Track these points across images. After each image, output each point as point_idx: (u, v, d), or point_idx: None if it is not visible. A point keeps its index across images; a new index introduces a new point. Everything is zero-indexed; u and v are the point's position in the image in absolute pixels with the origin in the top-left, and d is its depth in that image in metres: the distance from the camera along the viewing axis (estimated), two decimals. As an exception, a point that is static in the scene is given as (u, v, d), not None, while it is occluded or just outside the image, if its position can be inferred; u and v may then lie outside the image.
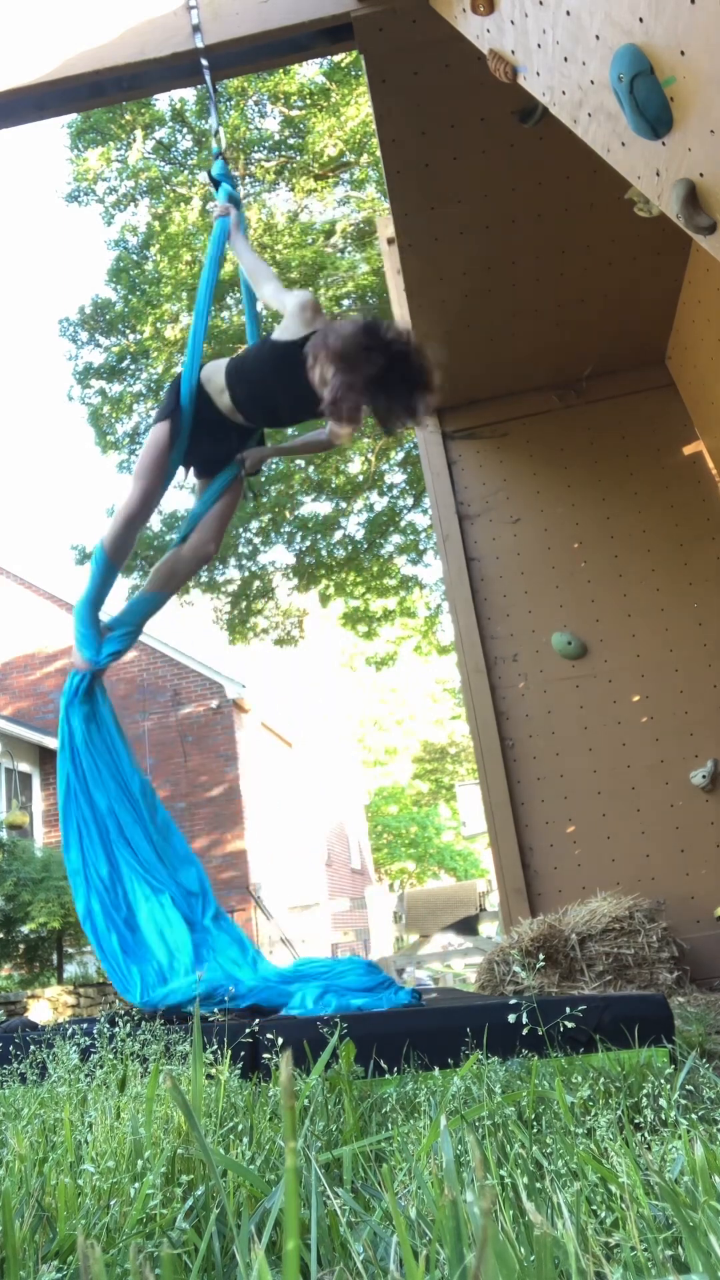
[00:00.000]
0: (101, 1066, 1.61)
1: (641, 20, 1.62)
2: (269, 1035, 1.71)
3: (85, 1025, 1.98)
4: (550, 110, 2.18)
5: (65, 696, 2.81)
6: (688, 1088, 1.43)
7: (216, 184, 3.17)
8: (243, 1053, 1.74)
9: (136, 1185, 1.02)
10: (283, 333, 2.52)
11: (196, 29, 3.20)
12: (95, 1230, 0.97)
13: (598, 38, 1.79)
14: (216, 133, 3.37)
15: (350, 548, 11.49)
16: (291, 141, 10.11)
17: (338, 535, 11.52)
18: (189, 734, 12.55)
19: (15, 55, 3.33)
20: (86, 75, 3.28)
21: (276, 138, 10.24)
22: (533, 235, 4.00)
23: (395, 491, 11.69)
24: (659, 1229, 0.86)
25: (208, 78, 3.22)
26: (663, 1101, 1.20)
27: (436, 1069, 1.62)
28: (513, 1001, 1.69)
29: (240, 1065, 1.68)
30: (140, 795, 2.78)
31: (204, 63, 3.21)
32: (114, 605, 3.06)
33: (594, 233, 4.02)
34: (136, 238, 10.89)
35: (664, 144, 1.67)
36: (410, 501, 11.55)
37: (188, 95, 9.83)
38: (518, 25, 2.21)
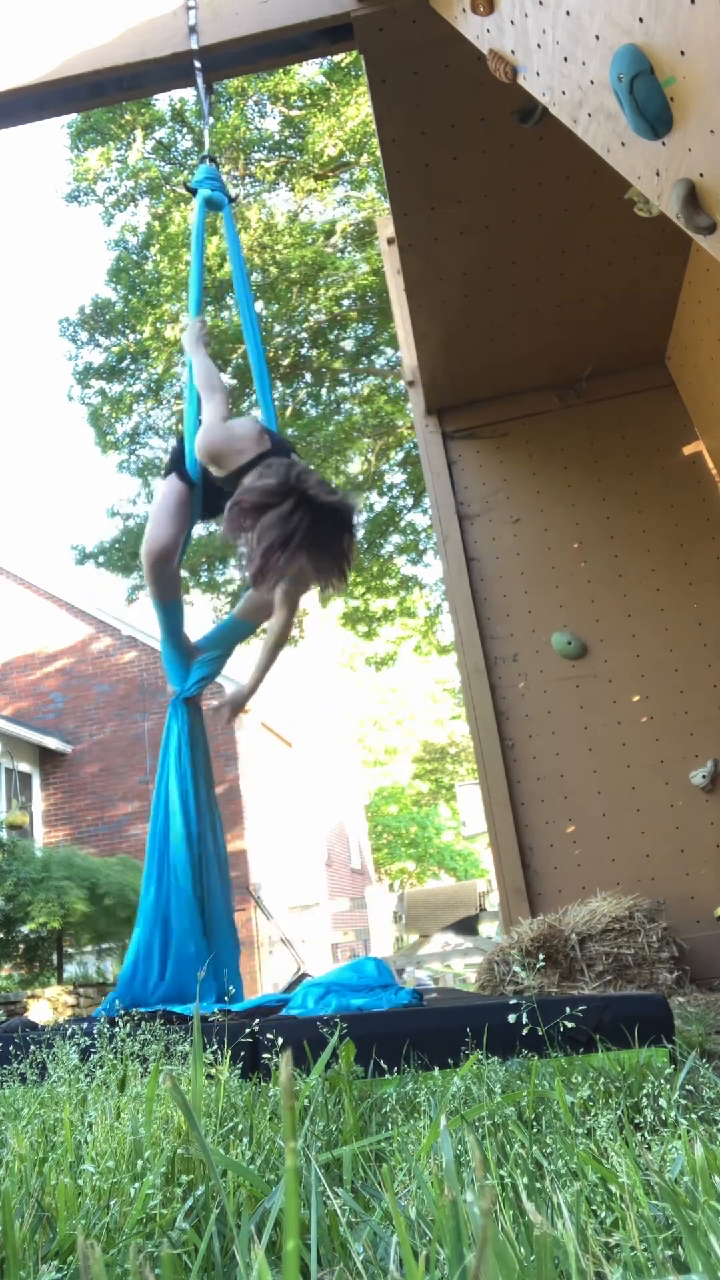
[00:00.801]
0: (101, 1066, 1.61)
1: (641, 20, 1.62)
2: (269, 1035, 1.71)
3: (85, 1025, 1.98)
4: (550, 110, 2.18)
5: (167, 721, 2.99)
6: (688, 1088, 1.43)
7: (193, 192, 3.18)
8: (243, 1053, 1.74)
9: (136, 1185, 1.02)
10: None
11: (193, 30, 3.20)
12: (95, 1230, 0.97)
13: (598, 38, 1.79)
14: (211, 128, 3.38)
15: (350, 547, 11.47)
16: (291, 141, 10.11)
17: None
18: (189, 734, 12.53)
19: (15, 55, 3.33)
20: (86, 75, 3.28)
21: (276, 138, 10.24)
22: (533, 235, 4.00)
23: (395, 491, 11.69)
24: (659, 1229, 0.86)
25: (199, 80, 3.23)
26: (663, 1101, 1.20)
27: (436, 1069, 1.62)
28: (513, 1001, 1.69)
29: (240, 1065, 1.68)
30: (211, 830, 2.86)
31: (197, 64, 3.21)
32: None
33: (594, 233, 4.02)
34: (136, 238, 10.89)
35: (664, 144, 1.67)
36: (410, 501, 11.55)
37: (188, 95, 9.83)
38: (518, 25, 2.21)
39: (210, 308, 9.50)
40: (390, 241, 4.92)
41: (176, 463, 2.82)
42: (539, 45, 2.11)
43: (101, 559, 11.70)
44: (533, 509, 4.73)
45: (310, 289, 10.12)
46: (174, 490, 2.75)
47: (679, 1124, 1.16)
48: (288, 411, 10.75)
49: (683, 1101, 1.32)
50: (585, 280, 4.26)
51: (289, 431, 10.26)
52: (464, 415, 4.97)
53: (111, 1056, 1.62)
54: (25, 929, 6.83)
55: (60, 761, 12.93)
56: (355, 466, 11.47)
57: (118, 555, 11.55)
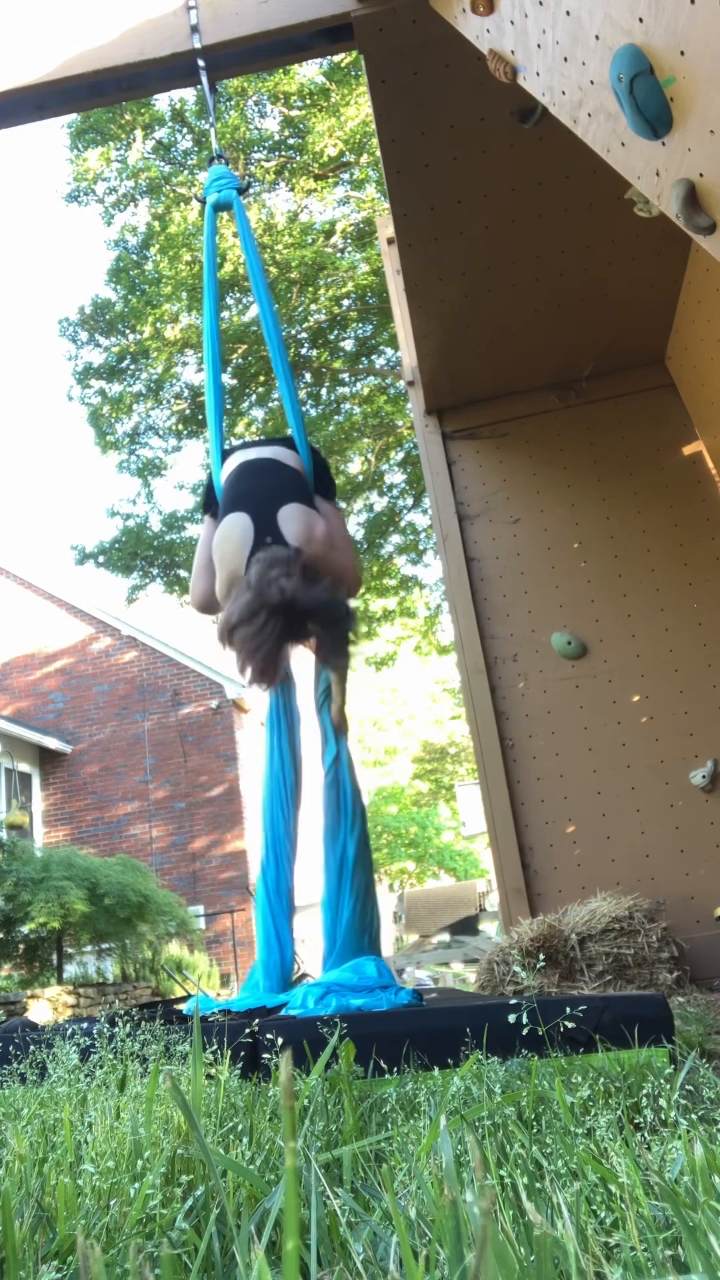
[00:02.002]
0: (101, 1066, 1.61)
1: (641, 20, 1.62)
2: (269, 1035, 1.71)
3: (85, 1025, 1.98)
4: (550, 110, 2.18)
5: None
6: (688, 1088, 1.43)
7: (204, 202, 3.15)
8: (243, 1053, 1.74)
9: (136, 1185, 1.02)
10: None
11: (195, 30, 3.20)
12: (95, 1230, 0.97)
13: (597, 38, 1.79)
14: (215, 129, 3.36)
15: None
16: (291, 141, 10.12)
17: (337, 535, 11.51)
18: (189, 734, 12.55)
19: (15, 55, 3.33)
20: (86, 75, 3.28)
21: (276, 138, 10.24)
22: (533, 235, 4.00)
23: (395, 491, 11.70)
24: (659, 1229, 0.86)
25: (204, 79, 3.22)
26: (662, 1101, 1.20)
27: (436, 1069, 1.62)
28: (513, 1001, 1.69)
29: (240, 1065, 1.68)
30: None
31: (200, 64, 3.21)
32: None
33: (594, 233, 4.02)
34: (136, 238, 10.90)
35: (664, 144, 1.67)
36: (410, 501, 11.55)
37: (188, 95, 9.83)
38: (517, 25, 2.21)
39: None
40: (390, 241, 4.92)
41: (208, 503, 2.82)
42: (539, 45, 2.11)
43: (101, 559, 11.70)
44: (533, 509, 4.73)
45: (310, 289, 10.12)
46: (208, 534, 2.73)
47: (679, 1124, 1.16)
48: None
49: (683, 1101, 1.32)
50: (585, 280, 4.26)
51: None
52: (464, 415, 4.97)
53: (111, 1056, 1.62)
54: (25, 929, 6.83)
55: (60, 761, 12.93)
56: (355, 466, 11.47)
57: (118, 555, 11.56)
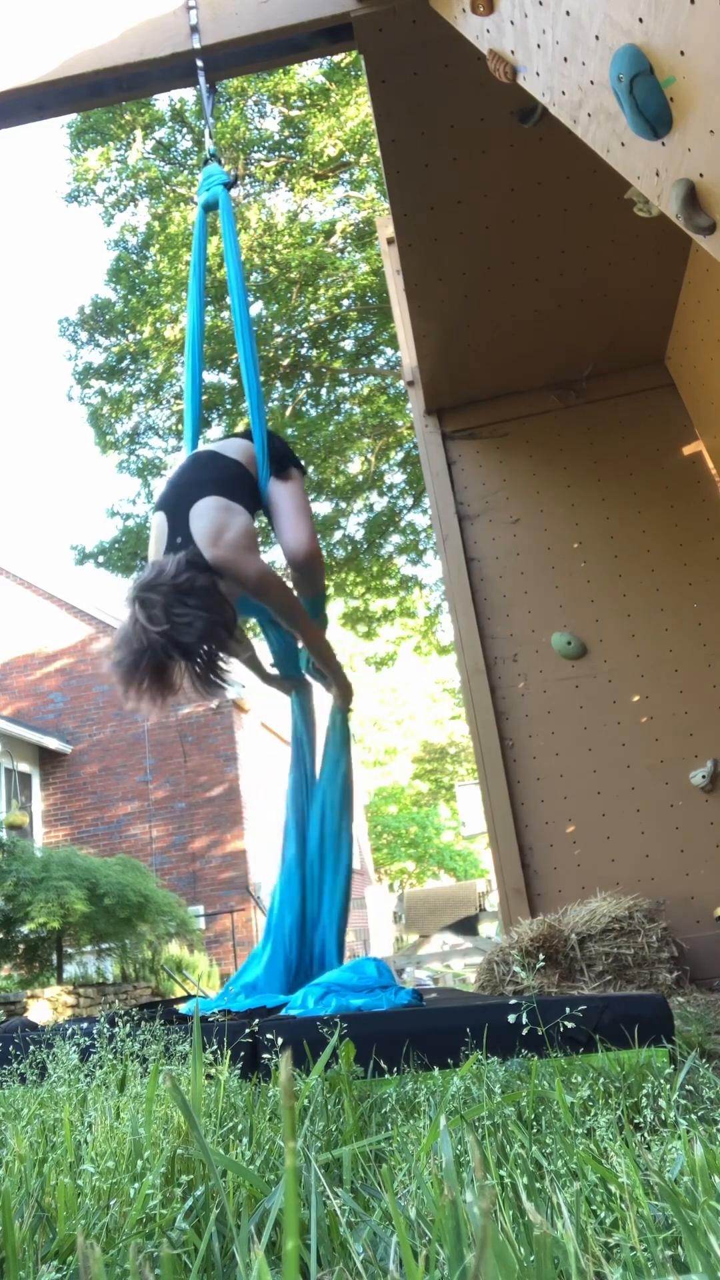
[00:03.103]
0: (101, 1066, 1.61)
1: (641, 20, 1.62)
2: (269, 1035, 1.71)
3: (85, 1025, 1.98)
4: (550, 110, 2.18)
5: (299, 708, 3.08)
6: (687, 1088, 1.43)
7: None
8: (243, 1053, 1.74)
9: (136, 1185, 1.02)
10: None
11: (194, 30, 3.20)
12: (95, 1230, 0.97)
13: (597, 38, 1.79)
14: (213, 129, 3.37)
15: (350, 548, 11.49)
16: (291, 141, 10.12)
17: (337, 535, 11.52)
18: (189, 734, 12.55)
19: (15, 55, 3.33)
20: (86, 75, 3.28)
21: (276, 138, 10.24)
22: (533, 235, 4.00)
23: (395, 491, 11.70)
24: (659, 1229, 0.86)
25: (202, 79, 3.22)
26: (662, 1102, 1.20)
27: (436, 1069, 1.62)
28: (512, 1001, 1.69)
29: (240, 1065, 1.68)
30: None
31: (199, 64, 3.21)
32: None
33: (594, 233, 4.02)
34: (136, 238, 10.90)
35: (664, 144, 1.67)
36: (410, 501, 11.55)
37: (187, 95, 9.83)
38: (517, 25, 2.21)
39: (209, 307, 9.49)
40: (390, 241, 4.92)
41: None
42: (539, 45, 2.11)
43: (101, 559, 11.70)
44: (533, 509, 4.73)
45: (310, 289, 10.12)
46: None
47: (679, 1124, 1.16)
48: (288, 411, 10.75)
49: (682, 1101, 1.32)
50: (585, 280, 4.26)
51: (288, 432, 10.26)
52: (464, 415, 4.97)
53: (111, 1056, 1.62)
54: (25, 929, 6.83)
55: (60, 761, 12.93)
56: (355, 466, 11.47)
57: (118, 555, 11.56)
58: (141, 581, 2.20)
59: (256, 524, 2.60)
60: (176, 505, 2.45)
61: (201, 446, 2.70)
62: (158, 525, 2.49)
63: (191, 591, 2.18)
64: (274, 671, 3.10)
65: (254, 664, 3.09)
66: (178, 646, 2.12)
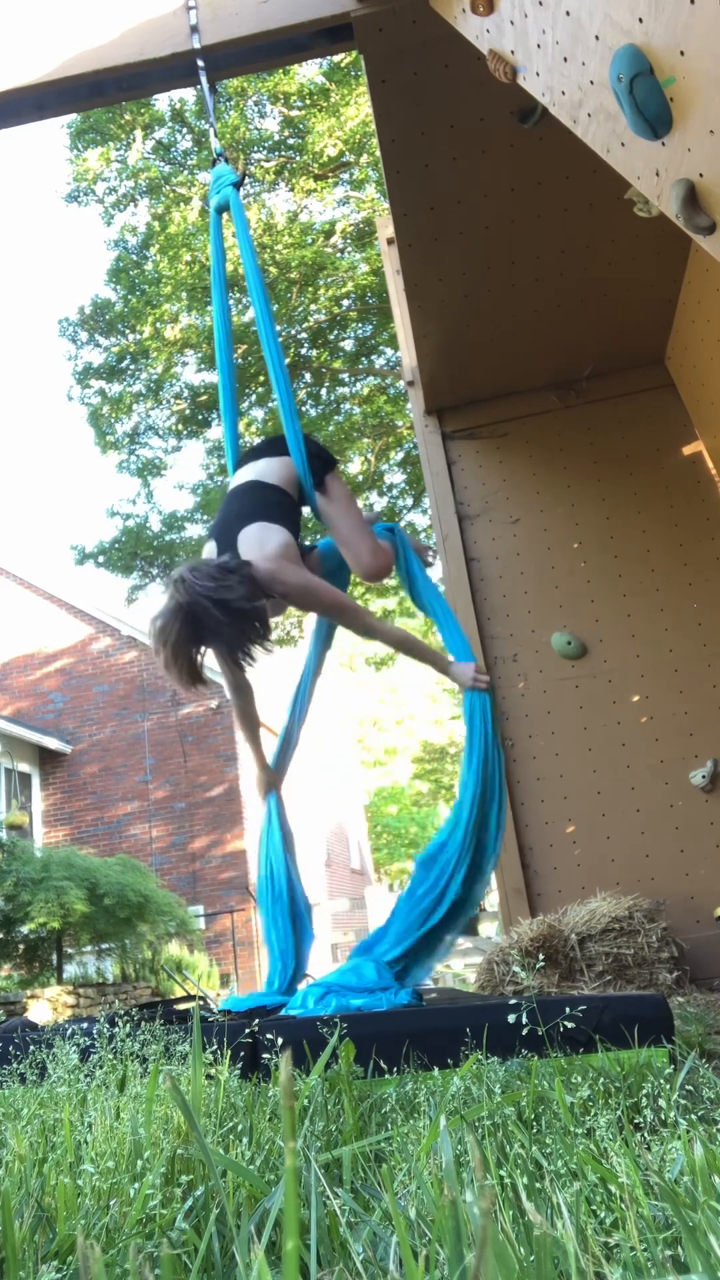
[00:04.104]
0: (101, 1066, 1.61)
1: (641, 20, 1.62)
2: (269, 1035, 1.71)
3: (85, 1025, 1.98)
4: (550, 110, 2.18)
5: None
6: (687, 1088, 1.43)
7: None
8: (242, 1053, 1.74)
9: (136, 1185, 1.02)
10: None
11: (194, 30, 3.20)
12: (95, 1230, 0.97)
13: (597, 38, 1.79)
14: (215, 129, 3.36)
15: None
16: (291, 141, 10.11)
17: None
18: (189, 734, 12.55)
19: (15, 55, 3.32)
20: (86, 75, 3.28)
21: (276, 138, 10.23)
22: (532, 235, 4.00)
23: (395, 491, 11.70)
24: (659, 1229, 0.86)
25: (203, 79, 3.22)
26: (662, 1102, 1.20)
27: (436, 1069, 1.62)
28: (513, 1001, 1.69)
29: (240, 1065, 1.68)
30: None
31: (200, 64, 3.21)
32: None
33: (594, 233, 4.02)
34: (136, 238, 10.89)
35: (663, 144, 1.67)
36: (410, 501, 11.55)
37: (187, 95, 9.83)
38: (517, 25, 2.21)
39: (208, 307, 9.49)
40: (390, 241, 4.92)
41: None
42: (539, 45, 2.11)
43: (101, 559, 11.70)
44: (533, 509, 4.73)
45: (310, 289, 10.11)
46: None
47: (678, 1124, 1.16)
48: (288, 411, 10.73)
49: (682, 1102, 1.32)
50: (585, 280, 4.26)
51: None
52: (464, 415, 4.97)
53: (111, 1056, 1.62)
54: (25, 929, 6.83)
55: (60, 761, 12.93)
56: (355, 466, 11.47)
57: (118, 555, 11.55)
58: (186, 564, 2.32)
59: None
60: (226, 532, 2.56)
61: (248, 476, 2.73)
62: (207, 550, 2.64)
63: (235, 571, 2.32)
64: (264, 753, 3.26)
65: (246, 714, 3.14)
66: (218, 603, 2.22)
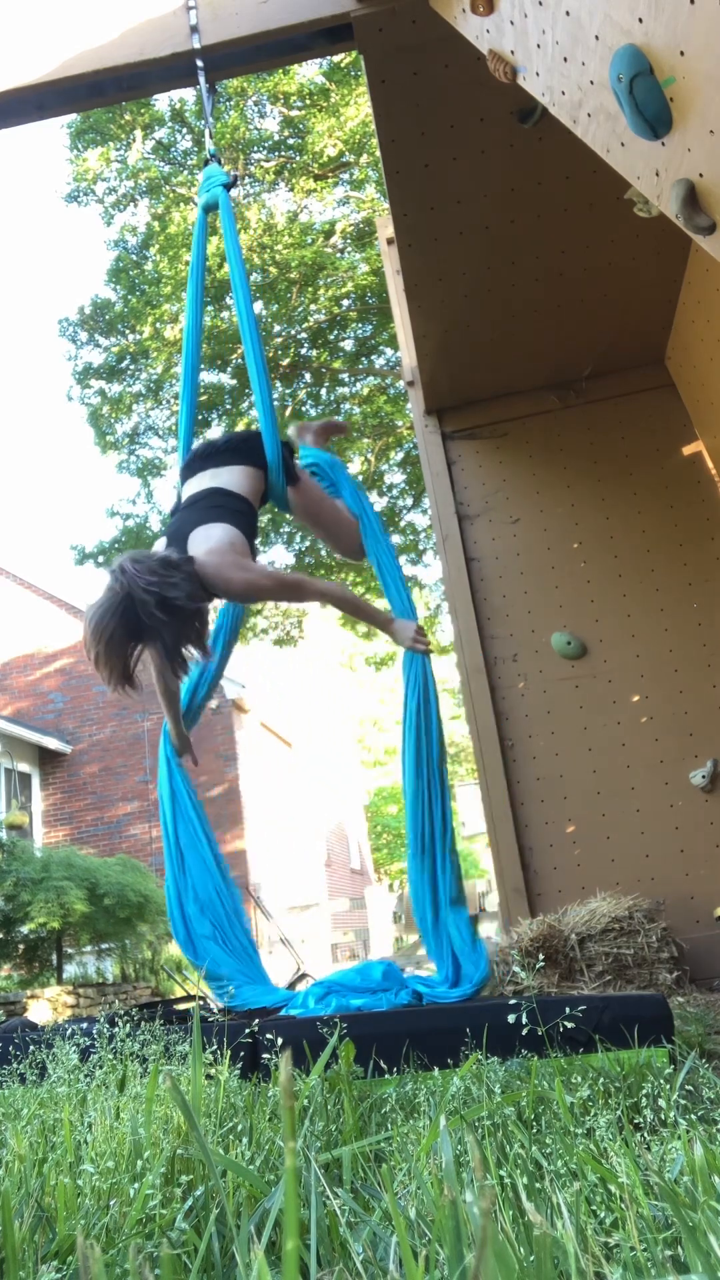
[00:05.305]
0: (101, 1067, 1.61)
1: (641, 20, 1.62)
2: (269, 1035, 1.71)
3: (84, 1025, 1.98)
4: (550, 110, 2.18)
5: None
6: (687, 1088, 1.43)
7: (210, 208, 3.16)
8: (242, 1053, 1.74)
9: (136, 1185, 1.02)
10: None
11: (194, 30, 3.20)
12: (95, 1230, 0.97)
13: (597, 38, 1.79)
14: (213, 129, 3.37)
15: (349, 547, 11.46)
16: (291, 141, 10.11)
17: (337, 535, 11.50)
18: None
19: (15, 55, 3.32)
20: (86, 75, 3.28)
21: (276, 138, 10.23)
22: (533, 235, 4.00)
23: (395, 491, 11.69)
24: (659, 1229, 0.86)
25: (202, 79, 3.22)
26: (662, 1102, 1.20)
27: (436, 1069, 1.62)
28: (513, 1001, 1.69)
29: (240, 1065, 1.68)
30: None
31: (199, 64, 3.21)
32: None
33: (594, 233, 4.02)
34: (136, 238, 10.89)
35: (663, 144, 1.67)
36: (410, 501, 11.55)
37: (187, 95, 9.83)
38: (517, 25, 2.21)
39: (209, 308, 9.49)
40: (390, 241, 4.91)
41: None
42: (539, 45, 2.11)
43: (101, 559, 11.69)
44: (533, 509, 4.72)
45: (310, 289, 10.11)
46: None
47: (678, 1124, 1.15)
48: (287, 411, 10.75)
49: (682, 1102, 1.32)
50: (585, 280, 4.26)
51: (289, 431, 10.25)
52: (464, 415, 4.97)
53: (111, 1057, 1.62)
54: (25, 929, 6.82)
55: (60, 761, 12.93)
56: (355, 467, 11.47)
57: (117, 555, 11.54)
58: (128, 554, 2.23)
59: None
60: (178, 533, 2.50)
61: (208, 482, 2.67)
62: (157, 547, 2.56)
63: (179, 567, 2.22)
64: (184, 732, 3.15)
65: (173, 702, 3.07)
66: (162, 602, 2.11)
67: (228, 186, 3.13)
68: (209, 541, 2.39)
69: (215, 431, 10.97)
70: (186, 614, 2.18)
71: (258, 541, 2.70)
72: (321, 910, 12.15)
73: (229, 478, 2.66)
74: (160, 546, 2.53)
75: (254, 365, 2.91)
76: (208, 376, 10.78)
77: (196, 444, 2.89)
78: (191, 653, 2.24)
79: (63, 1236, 0.96)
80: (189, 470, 2.76)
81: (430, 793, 2.74)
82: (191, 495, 2.67)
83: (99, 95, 3.45)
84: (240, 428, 10.65)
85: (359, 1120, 1.36)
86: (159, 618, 2.11)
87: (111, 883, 7.04)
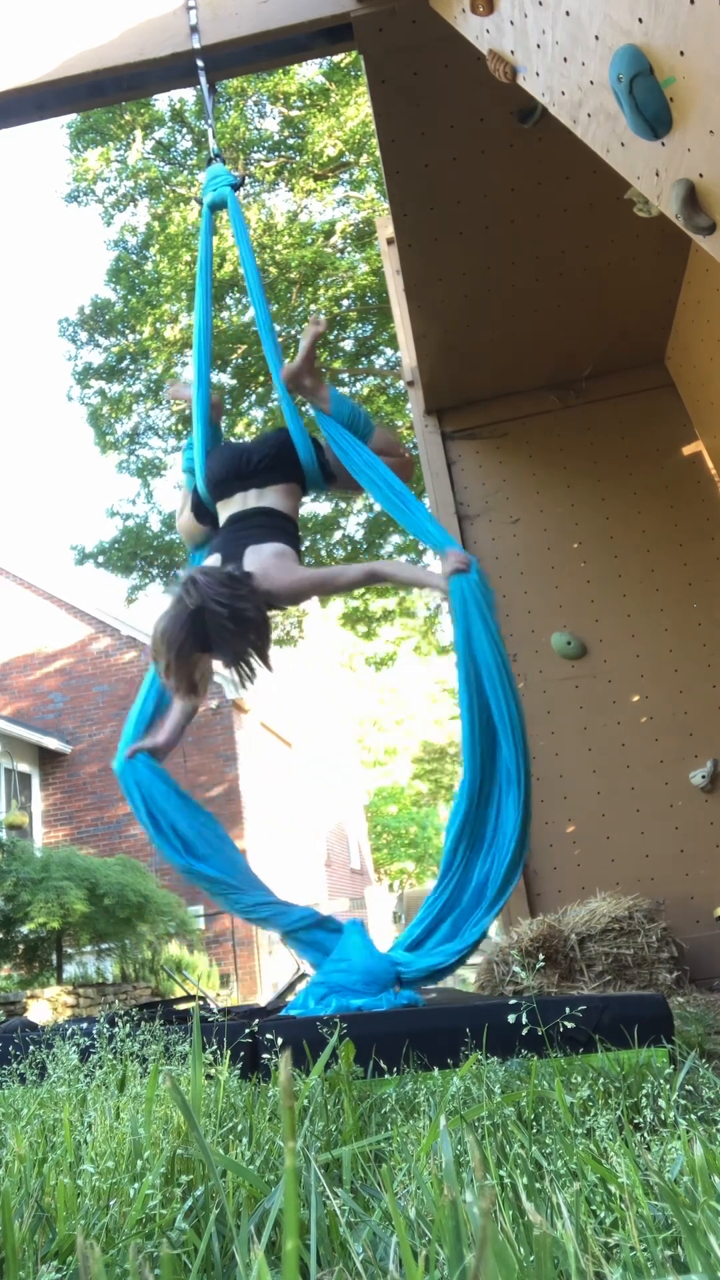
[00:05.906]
0: (101, 1067, 1.61)
1: (641, 20, 1.62)
2: (268, 1035, 1.71)
3: (84, 1025, 1.98)
4: (550, 110, 2.18)
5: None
6: (687, 1088, 1.43)
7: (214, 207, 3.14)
8: (242, 1053, 1.74)
9: (136, 1186, 1.02)
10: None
11: (194, 30, 3.20)
12: (95, 1230, 0.97)
13: (597, 38, 1.79)
14: (214, 129, 3.36)
15: (350, 548, 11.49)
16: (291, 141, 10.11)
17: (337, 535, 11.52)
18: (188, 734, 12.52)
19: (15, 55, 3.32)
20: (86, 75, 3.28)
21: (276, 138, 10.23)
22: (533, 235, 4.00)
23: (395, 492, 11.66)
24: (658, 1229, 0.86)
25: (203, 79, 3.22)
26: (662, 1102, 1.20)
27: (436, 1069, 1.62)
28: (512, 1001, 1.69)
29: (240, 1065, 1.68)
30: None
31: (200, 64, 3.20)
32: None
33: (594, 233, 4.02)
34: (136, 238, 10.89)
35: (663, 144, 1.67)
36: (410, 501, 11.52)
37: (187, 95, 9.83)
38: (517, 26, 2.21)
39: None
40: (390, 241, 4.91)
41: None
42: (539, 45, 2.11)
43: (101, 559, 11.69)
44: (532, 509, 4.73)
45: (310, 289, 10.11)
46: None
47: (678, 1124, 1.15)
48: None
49: (682, 1102, 1.32)
50: (585, 280, 4.26)
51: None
52: (464, 415, 4.97)
53: (111, 1057, 1.62)
54: (25, 929, 6.82)
55: (60, 762, 12.93)
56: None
57: (117, 555, 11.55)
58: (197, 568, 2.32)
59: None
60: (233, 554, 2.58)
61: (255, 501, 2.73)
62: (210, 564, 2.63)
63: (244, 582, 2.32)
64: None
65: (186, 719, 3.07)
66: (234, 614, 2.20)
67: (235, 187, 3.12)
68: (263, 556, 2.51)
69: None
70: (255, 625, 2.27)
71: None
72: (322, 910, 12.16)
73: (273, 498, 2.73)
74: (214, 562, 2.59)
75: (276, 368, 2.91)
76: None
77: (223, 454, 2.84)
78: (256, 663, 2.31)
79: (63, 1236, 0.96)
80: (225, 488, 2.78)
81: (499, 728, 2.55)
82: (234, 514, 2.74)
83: (99, 95, 3.45)
84: (240, 428, 10.66)
85: (359, 1120, 1.36)
86: (230, 629, 2.20)
87: (111, 883, 7.04)
